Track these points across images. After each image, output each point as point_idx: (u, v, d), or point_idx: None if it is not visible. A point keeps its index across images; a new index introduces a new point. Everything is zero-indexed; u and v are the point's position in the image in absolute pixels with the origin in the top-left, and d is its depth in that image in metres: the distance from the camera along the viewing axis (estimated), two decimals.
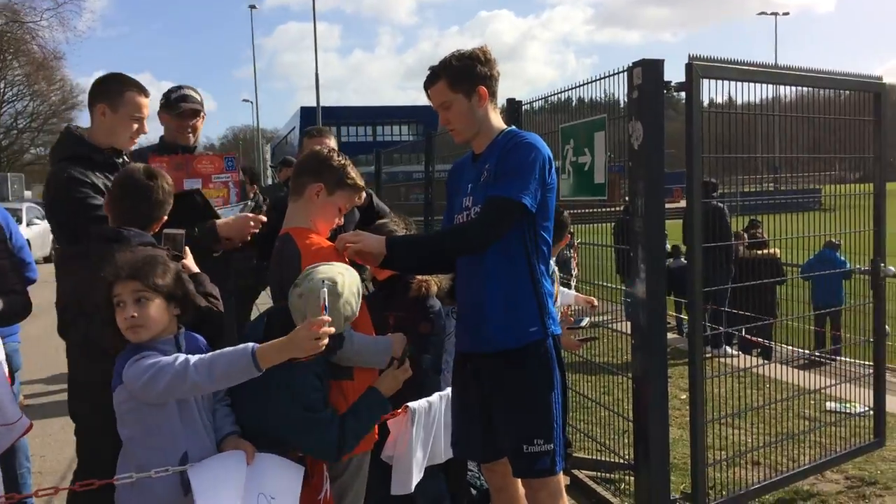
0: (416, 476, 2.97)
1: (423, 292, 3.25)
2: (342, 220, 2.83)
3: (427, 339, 3.20)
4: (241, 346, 2.18)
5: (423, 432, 2.98)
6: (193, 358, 2.17)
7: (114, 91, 3.17)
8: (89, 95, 3.24)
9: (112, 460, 2.33)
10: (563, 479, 2.90)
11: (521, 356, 2.73)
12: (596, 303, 4.73)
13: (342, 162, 2.75)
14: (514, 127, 2.97)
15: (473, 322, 2.84)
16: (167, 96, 3.74)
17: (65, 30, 30.00)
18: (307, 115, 47.03)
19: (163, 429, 2.23)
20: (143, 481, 2.18)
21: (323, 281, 2.27)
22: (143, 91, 3.23)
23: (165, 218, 2.78)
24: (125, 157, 3.32)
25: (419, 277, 3.27)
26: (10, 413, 2.43)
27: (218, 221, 3.25)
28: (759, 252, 7.73)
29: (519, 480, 2.95)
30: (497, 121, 2.89)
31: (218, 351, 2.20)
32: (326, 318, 2.17)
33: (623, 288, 4.72)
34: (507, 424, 2.78)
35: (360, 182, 2.79)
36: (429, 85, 2.86)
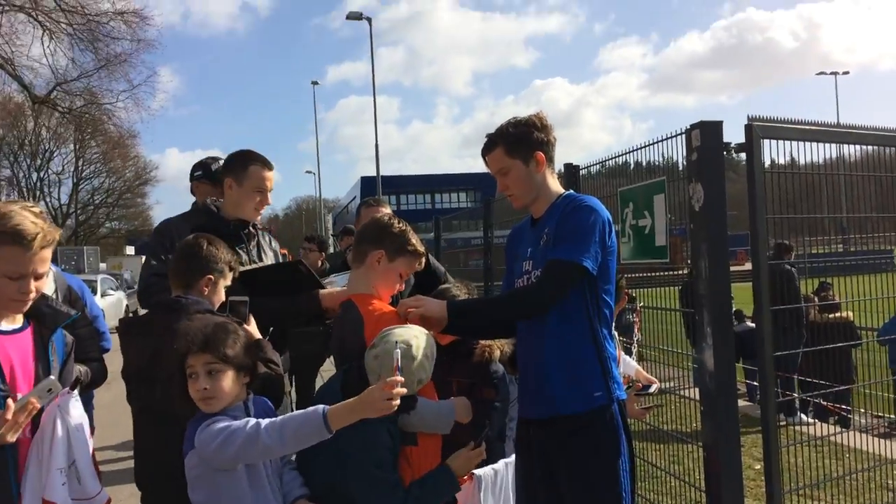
0: None
1: (486, 357, 3.24)
2: (403, 285, 2.88)
3: (491, 405, 3.17)
4: (312, 408, 2.19)
5: (492, 500, 2.92)
6: (264, 422, 2.19)
7: (238, 165, 3.40)
8: (222, 172, 3.47)
9: None
10: None
11: (585, 421, 2.67)
12: (660, 385, 4.57)
13: (402, 228, 2.83)
14: (572, 191, 2.98)
15: (535, 386, 2.79)
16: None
17: (139, 110, 31.67)
18: (367, 184, 48.17)
19: (232, 493, 2.25)
20: None
21: (397, 343, 2.29)
22: (266, 164, 3.44)
23: (227, 282, 2.86)
24: (252, 228, 3.50)
25: (482, 343, 3.26)
26: (90, 487, 2.45)
27: (322, 292, 3.30)
28: (832, 316, 7.47)
29: None
30: (555, 185, 2.91)
31: (288, 414, 2.23)
32: (399, 378, 2.18)
33: (689, 353, 4.61)
34: (573, 493, 2.68)
35: (421, 248, 2.84)
36: (486, 152, 2.90)
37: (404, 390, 2.18)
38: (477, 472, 2.91)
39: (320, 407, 2.18)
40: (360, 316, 2.63)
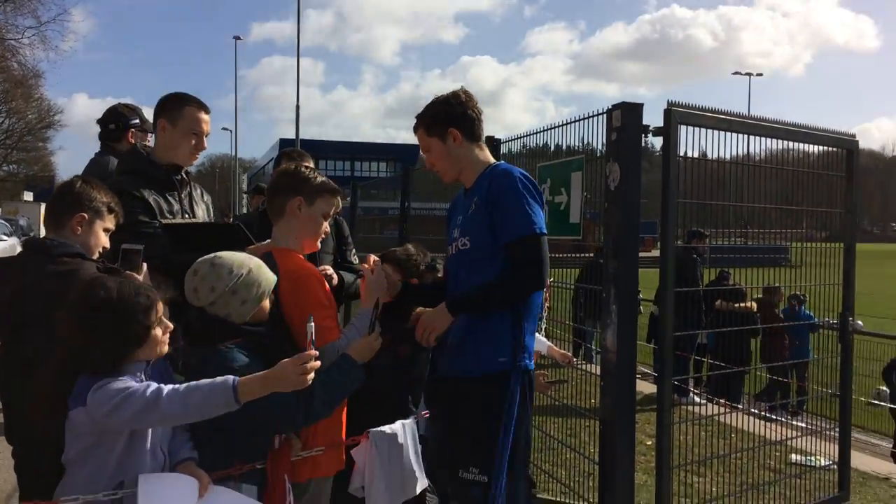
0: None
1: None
2: (328, 227, 2.88)
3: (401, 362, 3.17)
4: (221, 378, 2.09)
5: (391, 459, 2.90)
6: (167, 388, 2.06)
7: (173, 106, 3.24)
8: (153, 115, 3.32)
9: (55, 482, 2.22)
10: None
11: (481, 384, 2.79)
12: (574, 361, 4.68)
13: (312, 170, 2.85)
14: (501, 162, 3.03)
15: (448, 347, 2.91)
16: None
17: (46, 49, 29.70)
18: (286, 146, 46.93)
19: (110, 451, 2.13)
20: None
21: (311, 317, 2.26)
22: (203, 107, 3.30)
23: (107, 225, 2.71)
24: (185, 175, 3.35)
25: (420, 310, 3.24)
26: None
27: (248, 248, 3.15)
28: (738, 305, 7.84)
29: None
30: (483, 156, 2.99)
31: (193, 382, 2.10)
32: (314, 352, 2.16)
33: (594, 330, 4.72)
34: (450, 446, 2.88)
35: (335, 186, 2.85)
36: (414, 131, 3.05)
37: (318, 364, 2.16)
38: (371, 430, 2.89)
39: (229, 378, 2.09)
40: (276, 269, 2.58)
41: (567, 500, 4.53)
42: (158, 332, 2.22)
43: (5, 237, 19.98)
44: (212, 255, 2.50)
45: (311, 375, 2.14)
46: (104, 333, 2.12)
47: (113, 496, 2.10)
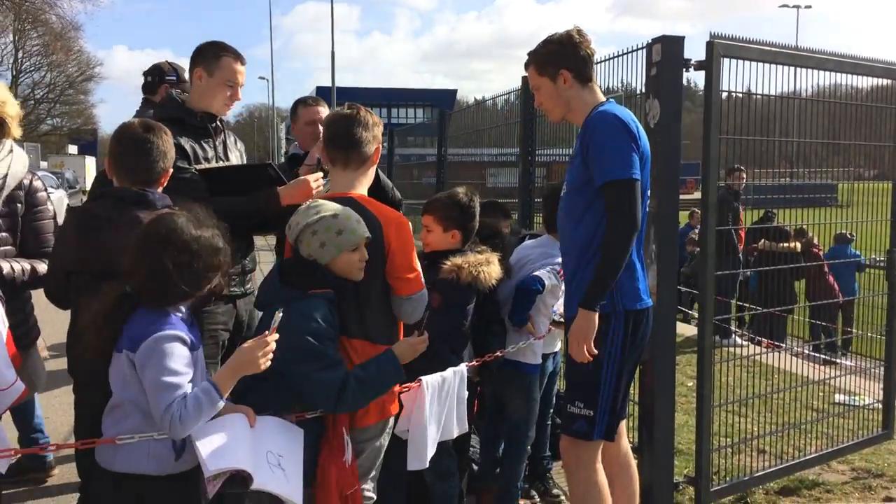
0: (431, 450, 2.95)
1: (452, 277, 3.24)
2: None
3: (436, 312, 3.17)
4: (198, 388, 2.14)
5: (437, 407, 2.95)
6: (191, 396, 2.11)
7: (210, 56, 3.26)
8: (189, 62, 3.34)
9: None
10: (598, 451, 3.02)
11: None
12: None
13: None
14: (608, 101, 2.98)
15: (567, 293, 3.06)
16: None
17: (84, 1, 29.71)
18: (322, 94, 46.76)
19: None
20: (135, 444, 2.15)
21: (279, 308, 2.31)
22: (239, 57, 3.31)
23: (171, 171, 2.77)
24: (220, 123, 3.38)
25: (455, 262, 3.25)
26: (5, 377, 2.39)
27: (281, 189, 3.16)
28: (781, 245, 7.70)
29: (620, 442, 3.19)
30: (591, 98, 2.97)
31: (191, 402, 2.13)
32: (275, 336, 2.22)
33: None
34: (567, 386, 3.13)
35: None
36: (525, 69, 3.07)
37: (273, 347, 2.21)
38: (425, 378, 2.93)
39: (205, 382, 2.16)
40: (369, 213, 2.60)
41: None
42: (215, 279, 2.28)
43: (53, 189, 20.47)
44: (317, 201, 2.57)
45: (270, 357, 2.21)
46: (169, 267, 2.17)
47: (165, 437, 2.16)
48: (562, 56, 2.94)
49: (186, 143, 3.16)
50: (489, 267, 3.32)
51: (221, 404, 2.16)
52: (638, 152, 2.80)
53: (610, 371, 2.90)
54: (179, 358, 2.14)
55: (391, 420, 2.78)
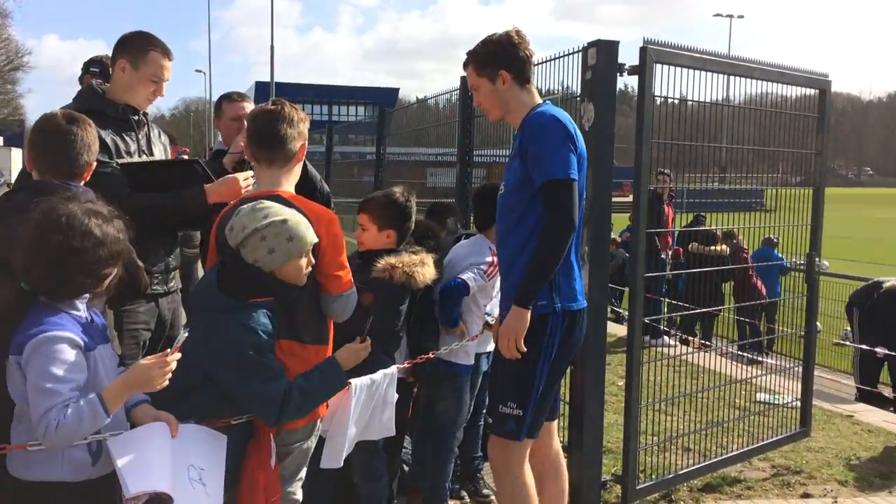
0: (347, 451, 2.92)
1: (385, 277, 3.20)
2: None
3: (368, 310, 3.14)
4: (91, 395, 2.01)
5: (362, 408, 2.92)
6: (70, 410, 1.97)
7: (136, 49, 3.14)
8: (113, 50, 3.21)
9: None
10: (527, 451, 3.03)
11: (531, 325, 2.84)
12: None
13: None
14: (545, 103, 3.00)
15: (502, 293, 3.10)
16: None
17: None
18: (262, 90, 46.08)
19: None
20: (49, 451, 2.05)
21: (184, 326, 2.26)
22: (168, 53, 3.21)
23: (95, 164, 2.68)
24: (143, 117, 3.27)
25: (388, 262, 3.22)
26: None
27: (208, 186, 3.08)
28: (709, 248, 7.93)
29: (551, 443, 3.24)
30: (529, 99, 2.98)
31: (72, 413, 1.99)
32: (177, 355, 2.11)
33: None
34: (495, 383, 3.13)
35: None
36: (464, 69, 3.05)
37: (174, 366, 2.11)
38: (354, 381, 2.90)
39: (93, 398, 2.01)
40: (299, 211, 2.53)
41: None
42: (115, 270, 2.18)
43: None
44: (259, 201, 2.46)
45: (166, 380, 2.10)
46: (63, 256, 2.06)
47: (80, 442, 2.07)
48: (501, 57, 2.93)
49: (107, 136, 3.05)
50: (423, 268, 3.30)
51: (106, 420, 2.02)
52: (576, 153, 2.84)
53: (543, 371, 2.91)
54: (64, 362, 2.01)
55: (319, 422, 2.74)
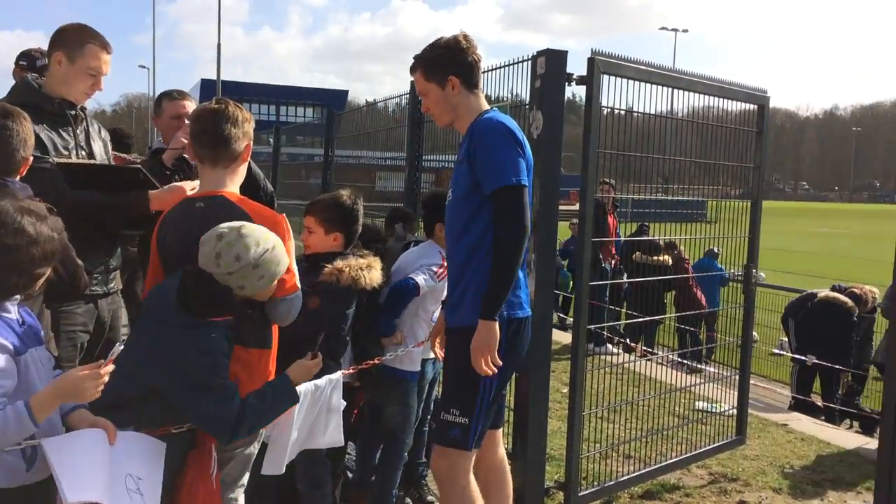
0: (289, 457, 2.87)
1: (332, 281, 3.16)
2: None
3: (318, 314, 3.10)
4: (10, 408, 1.92)
5: (306, 414, 2.87)
6: None
7: (74, 42, 3.03)
8: (49, 42, 3.09)
9: None
10: (472, 460, 2.98)
11: (467, 334, 2.79)
12: None
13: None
14: (491, 109, 2.97)
15: (450, 301, 3.01)
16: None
17: None
18: (208, 88, 45.30)
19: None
20: None
21: (122, 340, 2.24)
22: (106, 47, 3.10)
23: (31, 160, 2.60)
24: (80, 111, 3.16)
25: (336, 265, 3.19)
26: None
27: (153, 193, 3.01)
28: (653, 258, 8.08)
29: (496, 450, 3.21)
30: (477, 104, 2.96)
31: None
32: (111, 367, 2.04)
33: None
34: (443, 390, 3.07)
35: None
36: (411, 73, 3.01)
37: (106, 378, 2.04)
38: (299, 388, 2.85)
39: (19, 402, 1.94)
40: (241, 214, 2.48)
41: None
42: (48, 270, 2.10)
43: None
44: (238, 223, 2.39)
45: (98, 392, 2.03)
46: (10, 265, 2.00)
47: (14, 448, 1.99)
48: (450, 62, 2.90)
49: (42, 132, 2.94)
50: (370, 272, 3.27)
51: (33, 430, 1.95)
52: (524, 160, 2.83)
53: (489, 379, 2.87)
54: None
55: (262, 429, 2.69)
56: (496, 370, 2.82)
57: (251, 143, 2.67)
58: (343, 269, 3.19)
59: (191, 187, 2.99)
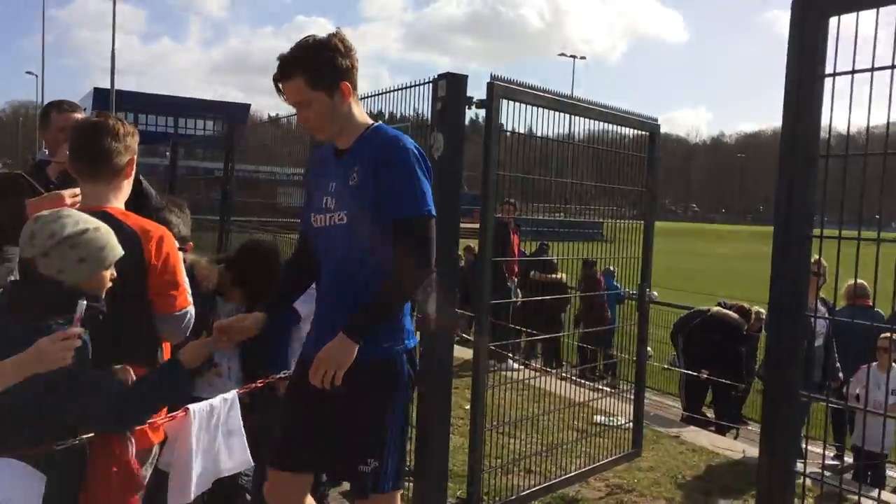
0: (198, 485, 2.77)
1: (205, 288, 3.10)
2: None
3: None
4: None
5: (206, 437, 2.77)
6: None
7: None
8: None
9: None
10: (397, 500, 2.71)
11: (370, 372, 2.52)
12: None
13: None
14: (379, 122, 2.73)
15: (329, 327, 2.55)
16: None
17: None
18: (101, 97, 43.44)
19: None
20: None
21: (85, 298, 2.14)
22: None
23: None
24: None
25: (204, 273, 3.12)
26: None
27: (29, 201, 2.85)
28: (550, 276, 8.30)
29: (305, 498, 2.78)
30: (361, 115, 2.66)
31: None
32: (79, 329, 2.04)
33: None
34: (344, 443, 2.59)
35: None
36: (282, 79, 2.53)
37: (79, 342, 2.06)
38: (192, 406, 2.76)
39: None
40: (124, 228, 2.41)
41: None
42: None
43: None
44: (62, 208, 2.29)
45: (72, 354, 2.02)
46: None
47: None
48: (339, 68, 2.52)
49: None
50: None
51: None
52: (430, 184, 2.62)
53: (397, 416, 2.60)
54: None
55: (155, 450, 2.59)
56: (396, 409, 2.59)
57: (135, 157, 2.60)
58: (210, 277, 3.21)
59: (70, 194, 2.85)
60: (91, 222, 2.27)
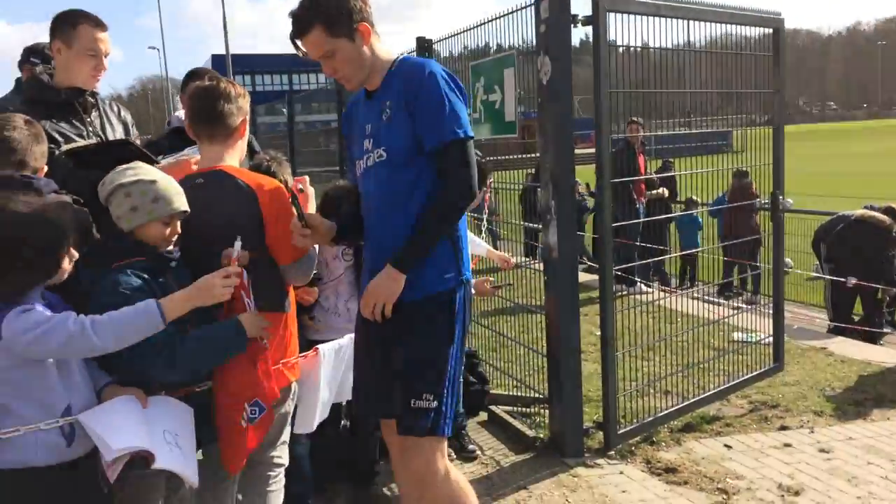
0: (319, 416, 2.96)
1: None
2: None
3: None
4: (141, 303, 2.12)
5: (332, 372, 2.96)
6: (88, 317, 2.05)
7: (66, 26, 3.02)
8: (49, 35, 3.09)
9: None
10: (444, 448, 2.62)
11: (427, 306, 2.53)
12: (512, 262, 4.55)
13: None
14: (404, 54, 2.71)
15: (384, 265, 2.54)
16: None
17: None
18: (218, 62, 45.19)
19: (42, 383, 2.08)
20: (22, 437, 2.04)
21: (238, 237, 2.37)
22: (99, 24, 3.07)
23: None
24: (91, 98, 3.16)
25: None
26: None
27: (162, 164, 2.97)
28: (651, 192, 8.08)
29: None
30: (384, 52, 2.59)
31: (115, 312, 2.11)
32: (237, 268, 2.31)
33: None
34: (402, 378, 2.55)
35: None
36: (300, 34, 2.51)
37: (237, 280, 2.31)
38: (321, 347, 2.92)
39: (150, 301, 2.13)
40: (241, 186, 2.53)
41: (520, 394, 4.66)
42: (66, 261, 2.15)
43: None
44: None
45: (231, 289, 2.29)
46: (12, 259, 2.03)
47: (53, 425, 2.08)
48: (353, 9, 2.46)
49: (51, 127, 2.95)
50: None
51: (161, 327, 2.15)
52: (466, 106, 2.55)
53: (457, 350, 2.56)
54: (40, 312, 2.04)
55: (294, 386, 2.76)
56: (455, 342, 2.55)
57: (247, 117, 2.70)
58: None
59: (194, 160, 3.00)
60: (151, 175, 2.39)
